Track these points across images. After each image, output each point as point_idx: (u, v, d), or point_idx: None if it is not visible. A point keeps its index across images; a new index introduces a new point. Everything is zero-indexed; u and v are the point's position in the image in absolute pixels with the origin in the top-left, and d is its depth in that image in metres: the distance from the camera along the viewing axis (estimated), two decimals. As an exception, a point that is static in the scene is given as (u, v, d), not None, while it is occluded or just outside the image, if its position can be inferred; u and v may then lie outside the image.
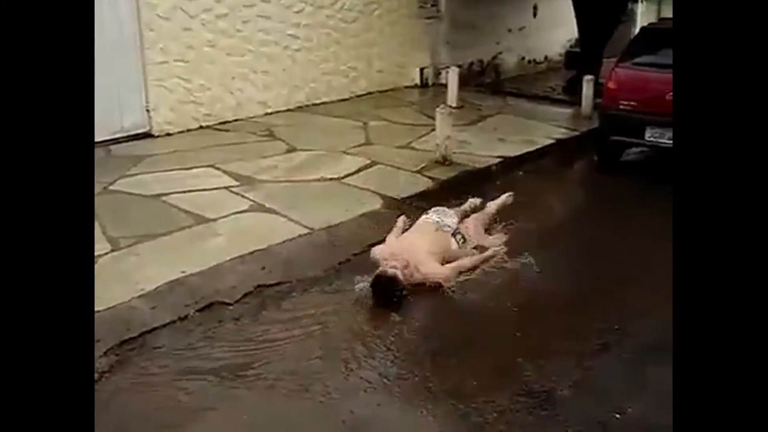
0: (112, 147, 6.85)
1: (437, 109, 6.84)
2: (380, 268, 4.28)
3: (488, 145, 7.55)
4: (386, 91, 10.07)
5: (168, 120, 7.50)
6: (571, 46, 12.60)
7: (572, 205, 6.56)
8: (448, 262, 4.56)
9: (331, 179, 6.20)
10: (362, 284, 4.31)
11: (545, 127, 8.49)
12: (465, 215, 5.18)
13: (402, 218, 5.08)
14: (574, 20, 10.89)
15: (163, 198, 5.55)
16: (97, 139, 6.10)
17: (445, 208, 5.06)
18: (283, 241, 4.85)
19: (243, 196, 5.68)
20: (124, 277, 4.23)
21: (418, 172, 6.52)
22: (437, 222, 4.81)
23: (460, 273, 4.50)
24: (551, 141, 7.92)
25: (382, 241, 4.75)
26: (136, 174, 6.13)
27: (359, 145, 7.32)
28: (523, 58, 12.50)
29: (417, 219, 4.96)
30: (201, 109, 7.79)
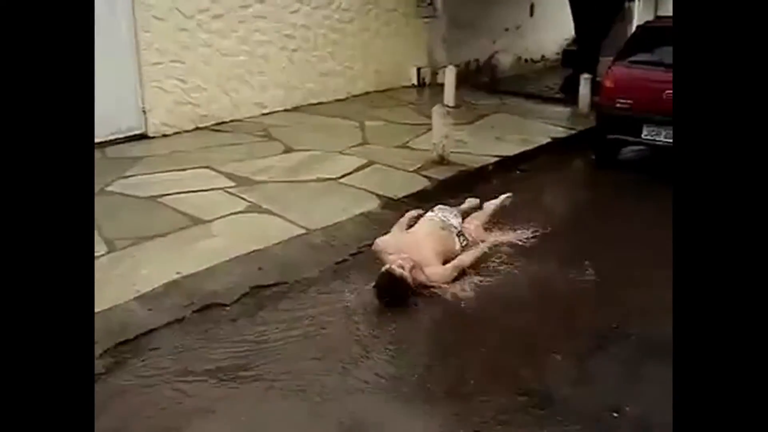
0: (108, 148, 6.82)
1: (434, 109, 6.81)
2: (387, 266, 4.17)
3: (485, 144, 7.55)
4: (383, 90, 10.07)
5: (164, 121, 7.47)
6: (568, 45, 12.63)
7: (570, 204, 6.55)
8: (448, 262, 4.54)
9: (328, 179, 6.19)
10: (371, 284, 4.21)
11: (542, 126, 8.51)
12: (465, 215, 5.17)
13: (411, 213, 5.01)
14: (571, 19, 10.90)
15: (160, 199, 5.53)
16: (93, 140, 6.10)
17: (449, 207, 5.04)
18: (280, 242, 4.83)
19: (240, 197, 5.66)
20: (121, 278, 4.21)
21: (415, 171, 6.51)
22: (443, 220, 4.77)
23: (462, 271, 4.47)
24: (548, 140, 7.95)
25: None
26: (133, 175, 6.11)
27: (356, 145, 7.31)
28: (520, 57, 12.52)
29: (420, 217, 4.92)
30: (197, 110, 7.76)
